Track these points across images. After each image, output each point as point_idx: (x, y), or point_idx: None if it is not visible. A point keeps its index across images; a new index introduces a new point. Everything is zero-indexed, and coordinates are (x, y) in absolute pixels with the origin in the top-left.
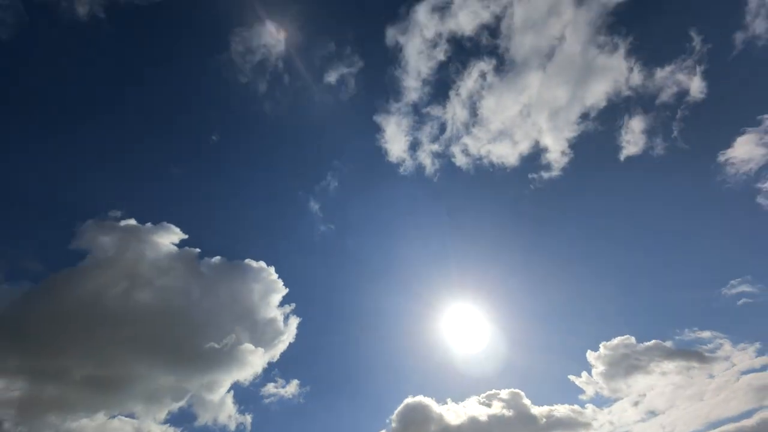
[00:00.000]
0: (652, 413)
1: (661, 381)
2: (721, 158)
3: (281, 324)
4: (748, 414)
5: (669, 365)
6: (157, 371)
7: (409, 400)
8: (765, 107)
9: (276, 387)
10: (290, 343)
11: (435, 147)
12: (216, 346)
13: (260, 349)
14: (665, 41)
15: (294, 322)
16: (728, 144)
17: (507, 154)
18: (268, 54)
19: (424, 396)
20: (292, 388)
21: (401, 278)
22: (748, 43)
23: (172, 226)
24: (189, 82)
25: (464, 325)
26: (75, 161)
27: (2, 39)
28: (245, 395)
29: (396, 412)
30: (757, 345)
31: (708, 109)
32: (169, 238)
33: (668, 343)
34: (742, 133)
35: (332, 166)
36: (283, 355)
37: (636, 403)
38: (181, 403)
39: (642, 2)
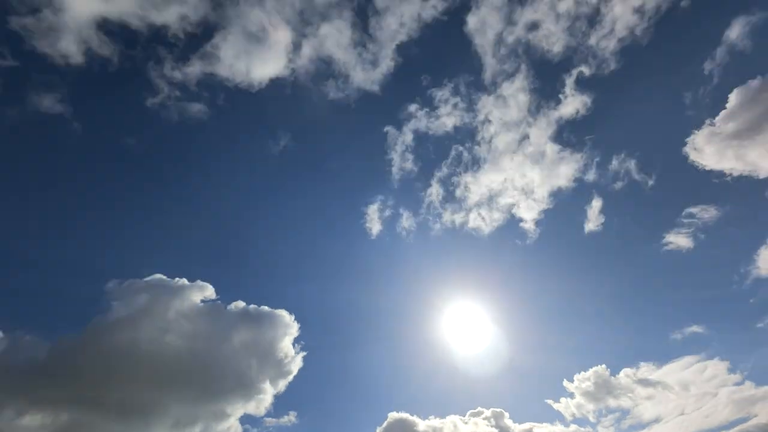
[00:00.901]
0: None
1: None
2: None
3: (291, 360)
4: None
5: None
6: (175, 404)
7: (394, 414)
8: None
9: (277, 419)
10: (294, 376)
11: (415, 218)
12: (230, 381)
13: (270, 384)
14: (617, 144)
15: (300, 356)
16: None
17: (483, 225)
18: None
19: (409, 413)
20: (291, 417)
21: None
22: None
23: (199, 281)
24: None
25: (454, 348)
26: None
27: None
28: (254, 424)
29: (381, 428)
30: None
31: (652, 198)
32: (195, 290)
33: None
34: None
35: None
36: (288, 386)
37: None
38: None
39: (599, 113)
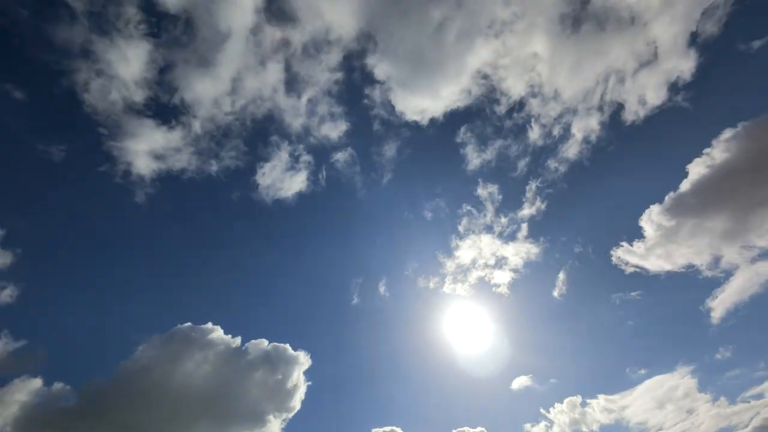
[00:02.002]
0: None
1: None
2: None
3: (299, 392)
4: None
5: None
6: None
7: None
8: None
9: None
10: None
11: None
12: (244, 414)
13: (279, 416)
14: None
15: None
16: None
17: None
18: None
19: (393, 426)
20: None
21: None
22: None
23: (218, 327)
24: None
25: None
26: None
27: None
28: None
29: None
30: None
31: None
32: (215, 334)
33: None
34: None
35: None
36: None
37: None
38: None
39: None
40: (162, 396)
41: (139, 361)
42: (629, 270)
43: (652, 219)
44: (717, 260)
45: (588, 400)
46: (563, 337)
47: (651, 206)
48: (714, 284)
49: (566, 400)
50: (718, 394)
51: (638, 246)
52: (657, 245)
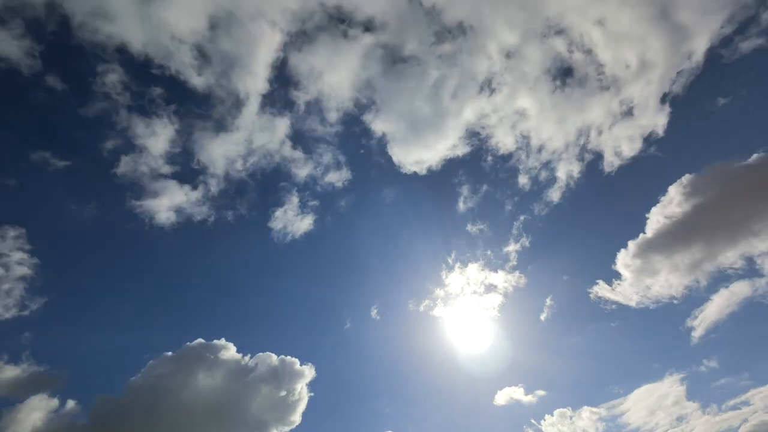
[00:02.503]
0: None
1: None
2: None
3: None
4: None
5: None
6: None
7: None
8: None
9: None
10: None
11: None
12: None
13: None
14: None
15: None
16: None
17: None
18: None
19: None
20: None
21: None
22: None
23: (231, 344)
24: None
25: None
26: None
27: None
28: None
29: None
30: None
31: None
32: (226, 350)
33: None
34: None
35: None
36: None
37: None
38: None
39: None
40: (171, 411)
41: (148, 377)
42: (608, 308)
43: (626, 257)
44: (692, 288)
45: (577, 411)
46: (551, 355)
47: (626, 245)
48: (693, 307)
49: (556, 412)
50: (706, 402)
51: (616, 283)
52: (632, 280)
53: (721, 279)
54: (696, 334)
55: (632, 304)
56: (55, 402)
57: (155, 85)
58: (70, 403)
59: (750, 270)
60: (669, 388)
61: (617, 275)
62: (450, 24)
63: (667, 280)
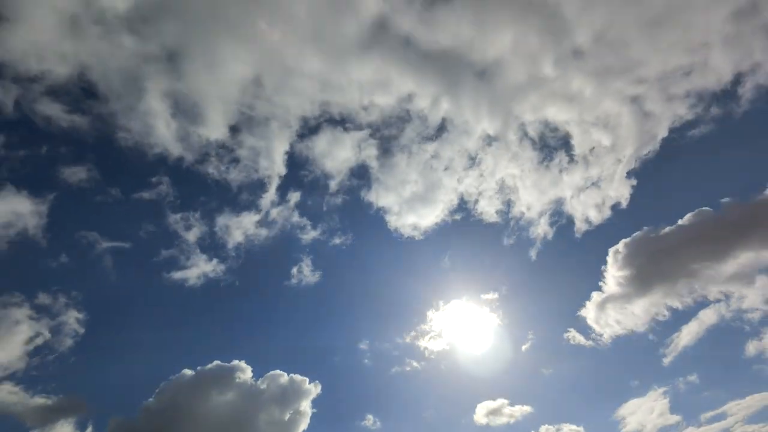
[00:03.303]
0: None
1: None
2: None
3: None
4: None
5: None
6: None
7: None
8: None
9: None
10: None
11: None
12: None
13: None
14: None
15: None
16: None
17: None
18: None
19: None
20: None
21: None
22: None
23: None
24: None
25: None
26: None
27: None
28: None
29: None
30: None
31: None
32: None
33: None
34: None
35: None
36: None
37: None
38: None
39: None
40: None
41: (162, 400)
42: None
43: (592, 306)
44: (661, 323)
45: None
46: (536, 379)
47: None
48: (664, 338)
49: (542, 428)
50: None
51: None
52: (600, 320)
53: (689, 310)
54: (667, 360)
55: (605, 341)
56: (72, 428)
57: (192, 182)
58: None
59: (699, 303)
60: (653, 402)
61: (583, 321)
62: (435, 122)
63: (630, 318)
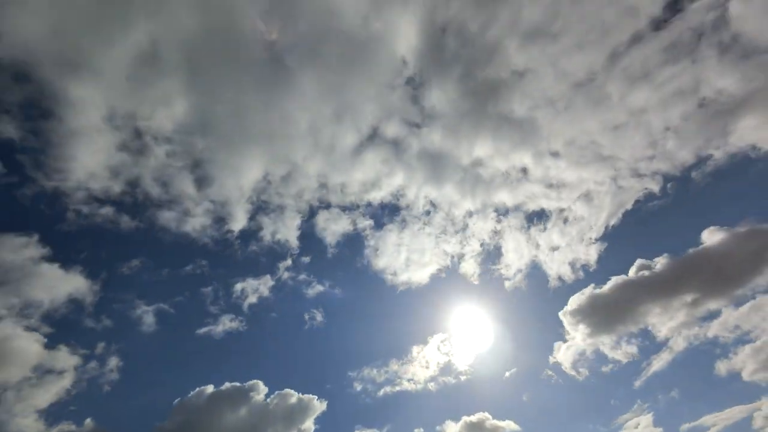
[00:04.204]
0: None
1: None
2: None
3: None
4: None
5: None
6: None
7: None
8: None
9: None
10: None
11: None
12: None
13: None
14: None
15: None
16: None
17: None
18: None
19: None
20: None
21: None
22: None
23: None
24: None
25: None
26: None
27: None
28: None
29: None
30: None
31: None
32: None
33: None
34: None
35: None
36: None
37: None
38: None
39: None
40: None
41: (172, 421)
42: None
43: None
44: (634, 356)
45: None
46: (521, 403)
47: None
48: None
49: None
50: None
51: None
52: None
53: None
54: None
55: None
56: None
57: (219, 258)
58: None
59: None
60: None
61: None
62: (424, 206)
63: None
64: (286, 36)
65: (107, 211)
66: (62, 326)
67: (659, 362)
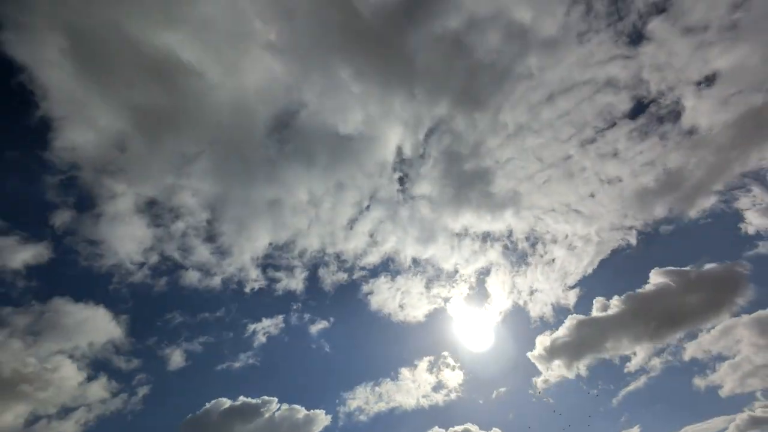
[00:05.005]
0: None
1: None
2: None
3: None
4: None
5: None
6: None
7: None
8: None
9: None
10: None
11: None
12: None
13: None
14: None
15: None
16: None
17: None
18: None
19: None
20: None
21: None
22: None
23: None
24: None
25: None
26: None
27: None
28: None
29: None
30: None
31: None
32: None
33: None
34: None
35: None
36: None
37: None
38: None
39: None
40: None
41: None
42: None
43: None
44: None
45: None
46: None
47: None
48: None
49: None
50: None
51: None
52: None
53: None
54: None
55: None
56: None
57: (237, 304)
58: None
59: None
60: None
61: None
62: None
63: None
64: (293, 140)
65: (144, 273)
66: (102, 363)
67: (636, 383)
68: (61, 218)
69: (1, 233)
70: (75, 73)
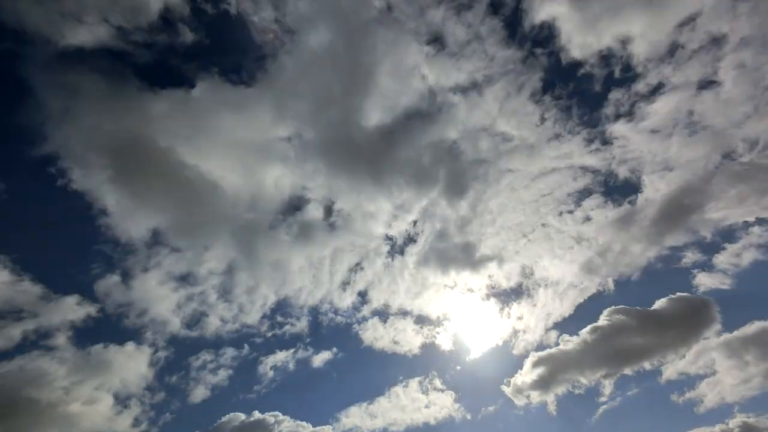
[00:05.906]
0: None
1: None
2: None
3: None
4: None
5: None
6: None
7: None
8: None
9: None
10: None
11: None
12: None
13: None
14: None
15: None
16: None
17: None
18: None
19: None
20: None
21: None
22: None
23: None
24: None
25: None
26: None
27: None
28: None
29: None
30: None
31: None
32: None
33: None
34: None
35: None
36: None
37: None
38: None
39: None
40: None
41: None
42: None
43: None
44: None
45: None
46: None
47: None
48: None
49: None
50: None
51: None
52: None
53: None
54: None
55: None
56: None
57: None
58: None
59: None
60: None
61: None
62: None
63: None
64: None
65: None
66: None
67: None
68: (111, 283)
69: (66, 294)
70: (122, 193)
